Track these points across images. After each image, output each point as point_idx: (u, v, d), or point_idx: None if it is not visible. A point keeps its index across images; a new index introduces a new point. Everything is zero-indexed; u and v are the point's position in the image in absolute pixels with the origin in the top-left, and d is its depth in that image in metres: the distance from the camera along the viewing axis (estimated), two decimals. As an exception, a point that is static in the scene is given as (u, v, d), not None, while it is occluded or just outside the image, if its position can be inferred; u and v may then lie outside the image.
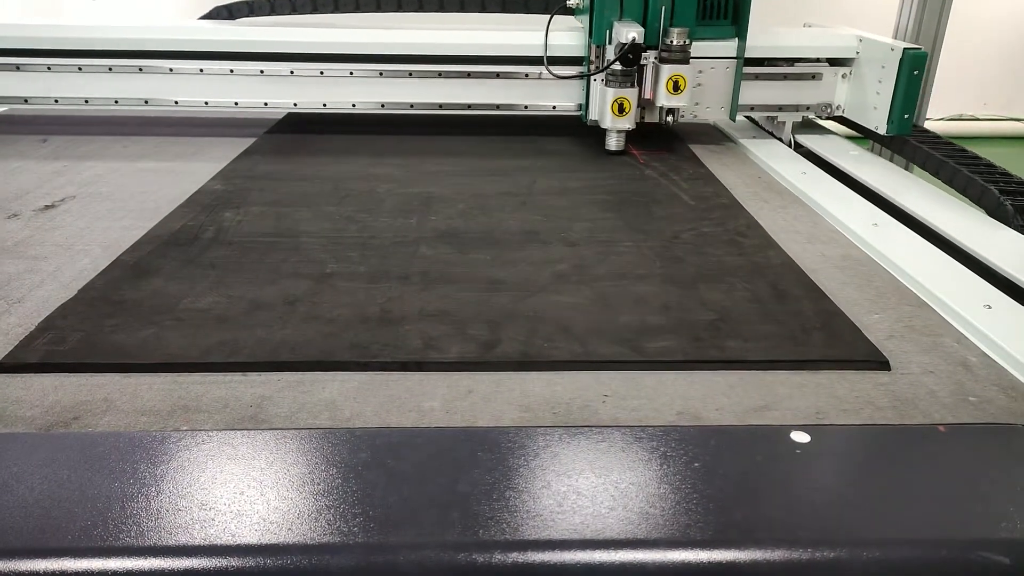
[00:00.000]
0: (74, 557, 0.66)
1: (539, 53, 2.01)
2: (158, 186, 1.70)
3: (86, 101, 2.08)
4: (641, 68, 1.92)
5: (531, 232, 1.46)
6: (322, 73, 2.06)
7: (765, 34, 2.08)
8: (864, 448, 0.86)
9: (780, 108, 2.13)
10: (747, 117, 2.30)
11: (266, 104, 2.08)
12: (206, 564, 0.66)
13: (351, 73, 2.06)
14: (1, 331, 1.07)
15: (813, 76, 2.10)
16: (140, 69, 2.04)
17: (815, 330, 1.09)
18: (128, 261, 1.29)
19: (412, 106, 2.09)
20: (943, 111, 6.79)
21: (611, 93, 1.91)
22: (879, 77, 1.97)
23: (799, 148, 2.13)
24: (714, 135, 2.27)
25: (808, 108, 2.13)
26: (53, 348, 1.01)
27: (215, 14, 2.23)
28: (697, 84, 2.02)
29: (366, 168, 1.85)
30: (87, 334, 1.05)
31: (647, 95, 1.96)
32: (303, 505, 0.72)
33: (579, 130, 2.12)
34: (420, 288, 1.21)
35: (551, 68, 2.00)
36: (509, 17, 2.22)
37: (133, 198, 1.62)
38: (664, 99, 1.93)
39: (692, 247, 1.40)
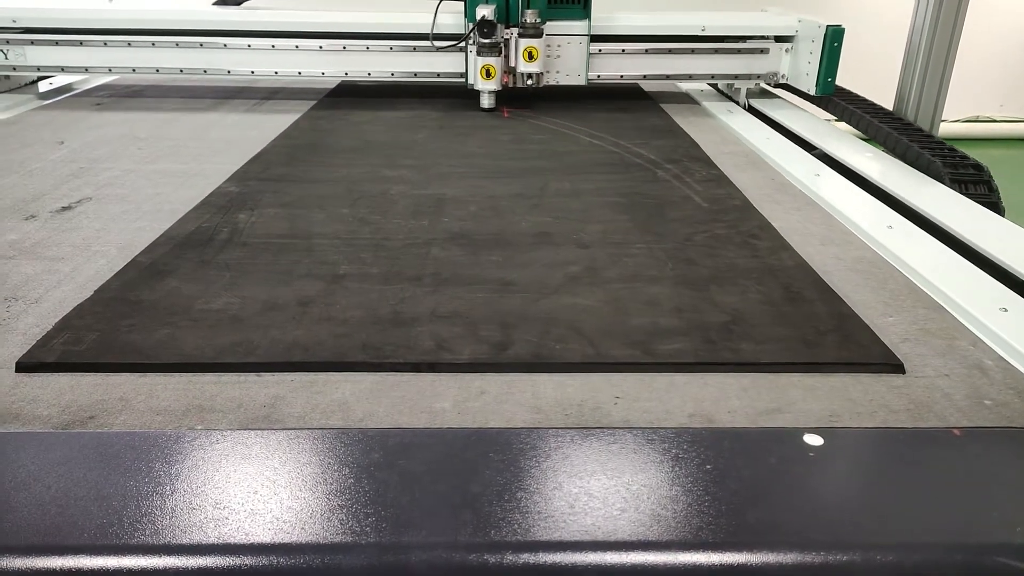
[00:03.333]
0: (90, 555, 0.67)
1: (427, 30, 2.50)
2: (173, 188, 1.71)
3: (157, 70, 2.58)
4: (506, 42, 2.42)
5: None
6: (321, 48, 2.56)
7: (725, 15, 2.68)
8: (878, 451, 0.86)
9: (736, 76, 2.66)
10: (711, 85, 2.95)
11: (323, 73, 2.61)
12: (220, 563, 0.66)
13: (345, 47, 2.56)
14: (19, 331, 1.08)
15: (762, 51, 2.61)
16: (200, 44, 2.54)
17: (829, 332, 1.09)
18: (144, 262, 1.30)
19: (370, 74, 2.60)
20: (959, 113, 6.72)
21: (480, 61, 2.42)
22: (810, 50, 2.48)
23: (751, 110, 2.64)
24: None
25: (759, 77, 2.64)
26: (70, 348, 1.02)
27: None
28: (557, 56, 2.54)
29: (379, 170, 1.86)
30: (103, 334, 1.06)
31: (511, 63, 2.46)
32: (316, 505, 0.72)
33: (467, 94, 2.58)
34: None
35: (435, 43, 2.48)
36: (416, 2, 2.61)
37: (148, 200, 1.64)
38: (522, 66, 2.45)
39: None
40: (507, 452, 0.80)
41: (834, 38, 2.40)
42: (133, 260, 1.31)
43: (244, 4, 2.89)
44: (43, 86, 2.85)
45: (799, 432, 0.84)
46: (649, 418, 0.91)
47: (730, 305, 1.17)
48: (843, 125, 2.40)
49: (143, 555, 0.67)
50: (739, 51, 2.60)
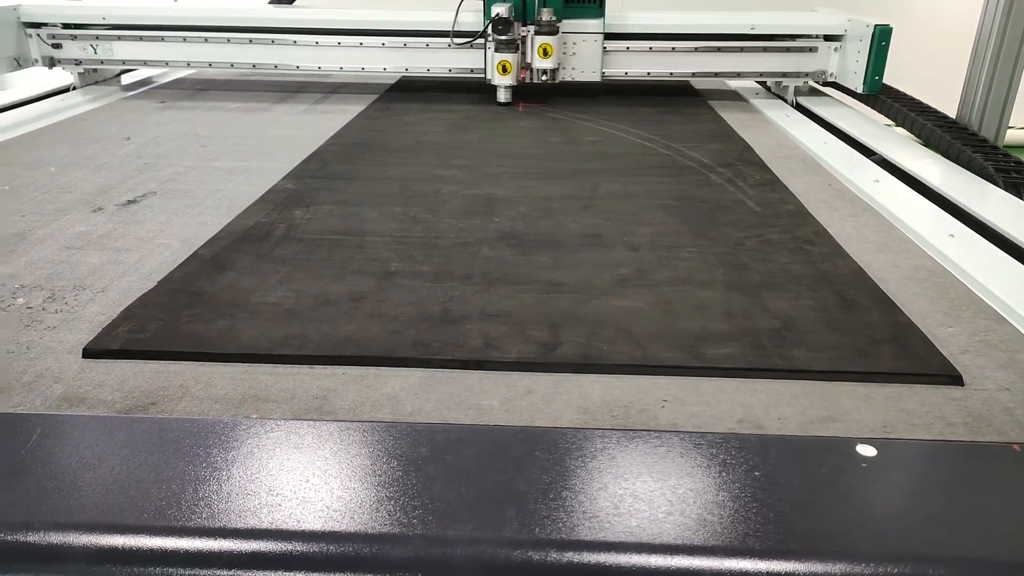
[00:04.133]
0: (150, 535, 0.69)
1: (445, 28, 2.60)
2: (233, 184, 1.76)
3: (232, 65, 2.76)
4: (523, 40, 2.53)
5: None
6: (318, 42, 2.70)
7: (775, 14, 2.67)
8: (934, 464, 0.84)
9: (785, 74, 2.71)
10: (759, 83, 3.00)
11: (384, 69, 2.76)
12: (272, 548, 0.68)
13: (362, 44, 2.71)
14: (85, 318, 1.12)
15: (811, 49, 2.65)
16: (272, 41, 2.70)
17: (884, 342, 1.07)
18: (205, 255, 1.34)
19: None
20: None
21: (497, 57, 2.52)
22: (858, 48, 2.53)
23: (799, 108, 2.67)
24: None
25: (808, 75, 2.69)
26: (133, 336, 1.06)
27: None
28: (573, 53, 2.62)
29: (432, 169, 1.89)
30: (165, 324, 1.09)
31: (527, 60, 2.55)
32: (365, 495, 0.74)
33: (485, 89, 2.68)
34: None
35: (454, 40, 2.59)
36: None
37: (210, 195, 1.69)
38: (538, 62, 2.55)
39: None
40: (553, 451, 0.81)
41: (882, 37, 2.44)
42: (194, 253, 1.35)
43: (296, 3, 3.04)
44: (126, 79, 3.02)
45: (852, 442, 0.83)
46: (697, 422, 0.90)
47: (782, 311, 1.15)
48: (899, 129, 2.42)
49: (200, 537, 0.69)
50: (788, 50, 2.65)
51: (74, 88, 2.79)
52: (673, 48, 2.61)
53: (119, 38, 2.71)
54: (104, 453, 0.83)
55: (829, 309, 1.16)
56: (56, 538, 0.69)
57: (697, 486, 0.76)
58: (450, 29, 2.57)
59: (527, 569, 0.67)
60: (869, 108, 2.57)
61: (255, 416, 0.90)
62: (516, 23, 2.46)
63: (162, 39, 2.70)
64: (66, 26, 2.68)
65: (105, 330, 1.08)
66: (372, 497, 0.73)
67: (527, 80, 2.61)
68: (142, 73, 3.11)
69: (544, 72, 2.56)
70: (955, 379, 0.98)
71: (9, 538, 0.69)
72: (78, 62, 2.73)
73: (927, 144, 2.16)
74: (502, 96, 2.60)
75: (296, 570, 0.67)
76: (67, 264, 1.31)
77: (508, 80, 2.54)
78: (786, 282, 1.25)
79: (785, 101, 2.75)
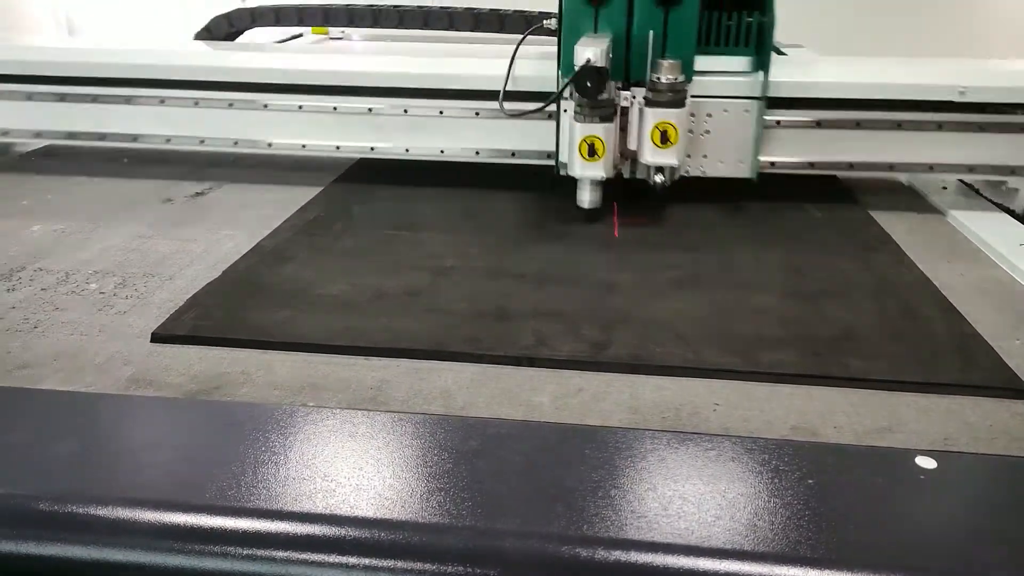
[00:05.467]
0: (210, 514, 0.72)
1: (497, 86, 1.56)
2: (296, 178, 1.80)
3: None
4: (624, 111, 1.48)
5: None
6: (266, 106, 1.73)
7: (983, 69, 1.64)
8: (996, 479, 0.81)
9: (1012, 171, 1.58)
10: (960, 181, 1.72)
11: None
12: (326, 532, 0.70)
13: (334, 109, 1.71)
14: (155, 304, 1.17)
15: None
16: (196, 103, 1.75)
17: (947, 352, 1.03)
18: (267, 247, 1.38)
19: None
20: None
21: (578, 130, 1.42)
22: None
23: None
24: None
25: None
26: (199, 323, 1.10)
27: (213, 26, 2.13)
28: (705, 131, 1.55)
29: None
30: (229, 312, 1.13)
31: (631, 145, 1.50)
32: (416, 485, 0.75)
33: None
34: (535, 286, 1.23)
35: (505, 104, 1.51)
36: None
37: (271, 190, 1.73)
38: (649, 154, 1.46)
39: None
40: (603, 450, 0.81)
41: None
42: (258, 245, 1.39)
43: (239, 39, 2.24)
44: None
45: (911, 453, 0.81)
46: (749, 427, 0.89)
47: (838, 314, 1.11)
48: None
49: (258, 519, 0.72)
50: (1022, 127, 1.55)
51: None
52: (818, 122, 1.58)
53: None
54: (170, 434, 0.87)
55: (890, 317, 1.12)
56: (124, 513, 0.72)
57: (748, 491, 0.75)
58: (500, 89, 1.54)
59: (575, 565, 0.68)
60: None
61: (312, 404, 0.92)
62: (612, 83, 1.43)
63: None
64: None
65: (172, 316, 1.12)
66: (423, 487, 0.75)
67: (624, 174, 1.56)
68: None
69: (660, 171, 1.47)
70: (1021, 392, 0.95)
71: (81, 511, 0.72)
72: None
73: None
74: (586, 197, 1.50)
75: (349, 554, 0.68)
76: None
77: (597, 170, 1.45)
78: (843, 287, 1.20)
79: (1013, 215, 1.59)
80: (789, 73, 1.56)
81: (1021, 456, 0.84)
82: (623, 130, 1.49)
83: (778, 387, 0.97)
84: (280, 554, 0.69)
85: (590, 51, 1.32)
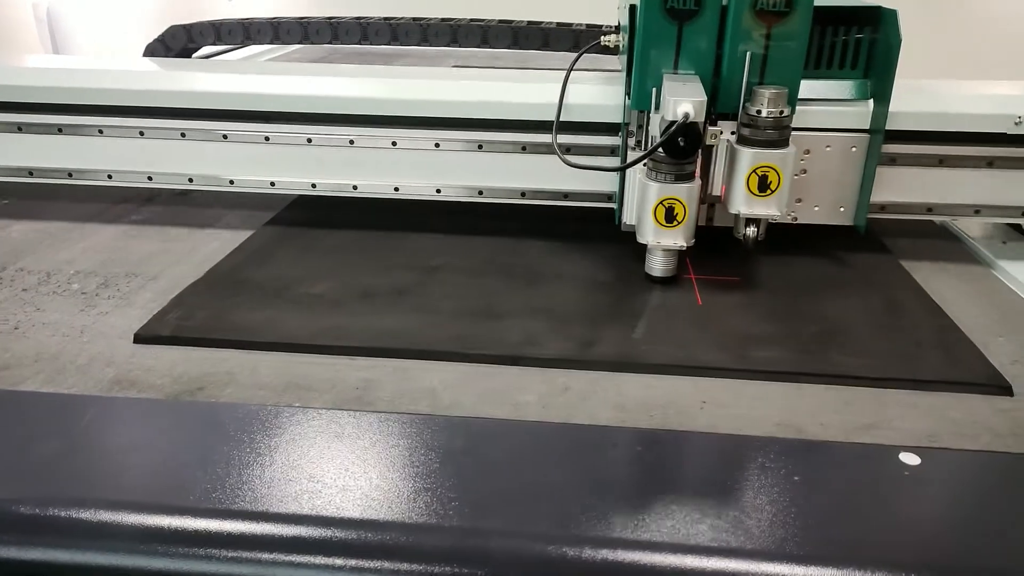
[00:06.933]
0: (195, 516, 0.72)
1: (545, 116, 1.28)
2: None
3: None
4: (708, 148, 1.17)
5: None
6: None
7: None
8: (980, 475, 0.82)
9: None
10: (1011, 225, 1.44)
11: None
12: (313, 533, 0.70)
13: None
14: (138, 304, 1.16)
15: None
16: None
17: (931, 349, 1.04)
18: (252, 247, 1.37)
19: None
20: None
21: (654, 191, 1.13)
22: None
23: None
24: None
25: None
26: (183, 323, 1.09)
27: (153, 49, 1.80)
28: (803, 171, 1.25)
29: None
30: (213, 312, 1.12)
31: (716, 191, 1.22)
32: (402, 485, 0.75)
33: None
34: (524, 284, 1.23)
35: (558, 145, 1.22)
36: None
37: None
38: (743, 204, 1.16)
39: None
40: (589, 448, 0.81)
41: None
42: (242, 244, 1.38)
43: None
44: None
45: (895, 450, 0.81)
46: (736, 425, 0.89)
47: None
48: None
49: (243, 520, 0.71)
50: None
51: None
52: (941, 160, 1.28)
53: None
54: (153, 436, 0.86)
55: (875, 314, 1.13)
56: (107, 516, 0.71)
57: (734, 488, 0.76)
58: (553, 120, 1.26)
59: (561, 564, 0.68)
60: None
61: (297, 404, 0.92)
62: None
63: None
64: None
65: (155, 316, 1.11)
66: (409, 487, 0.75)
67: (711, 224, 1.30)
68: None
69: (754, 224, 1.19)
70: (1004, 389, 0.96)
71: (64, 514, 0.72)
72: None
73: None
74: (657, 264, 1.21)
75: (335, 555, 0.68)
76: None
77: (675, 238, 1.16)
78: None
79: None
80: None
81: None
82: (703, 172, 1.19)
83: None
84: (266, 556, 0.69)
85: (688, 105, 1.03)
